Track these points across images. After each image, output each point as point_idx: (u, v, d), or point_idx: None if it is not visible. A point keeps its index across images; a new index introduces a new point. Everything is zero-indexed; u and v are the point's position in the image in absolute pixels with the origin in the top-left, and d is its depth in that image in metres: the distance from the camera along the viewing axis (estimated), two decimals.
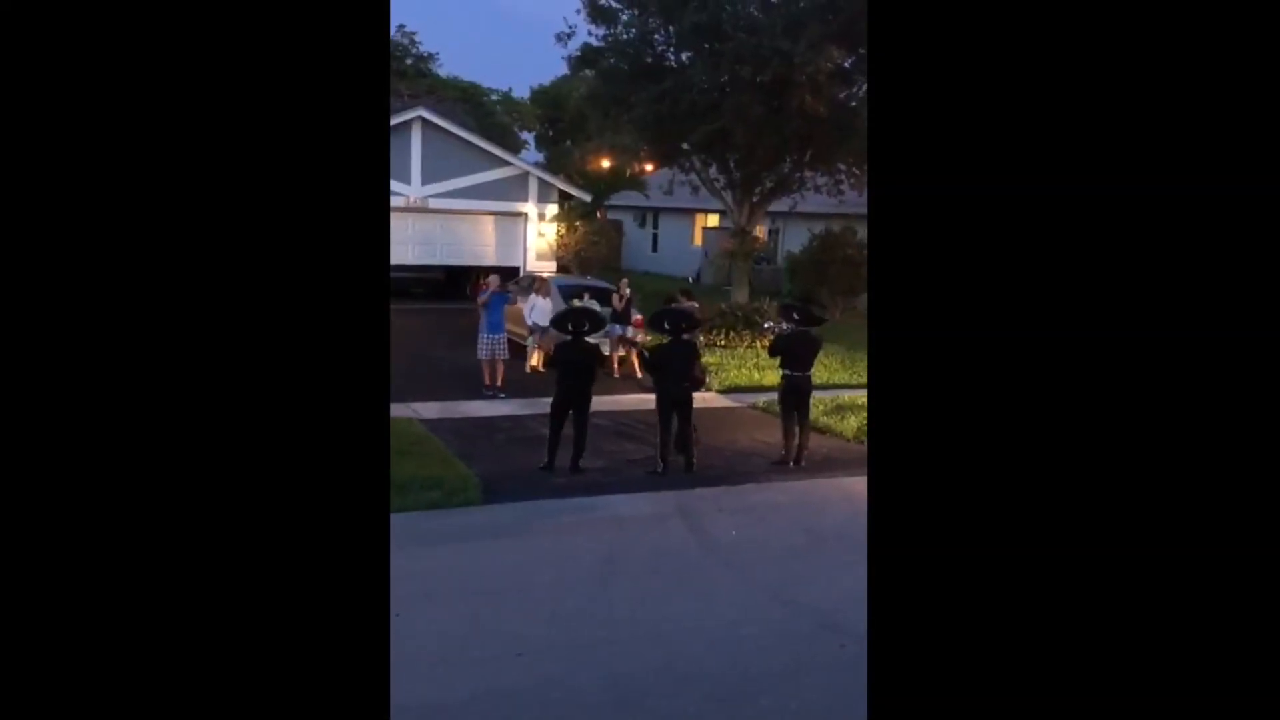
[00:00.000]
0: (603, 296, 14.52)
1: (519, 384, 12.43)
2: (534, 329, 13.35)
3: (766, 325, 16.20)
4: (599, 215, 28.97)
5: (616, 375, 13.71)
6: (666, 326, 9.53)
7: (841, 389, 12.93)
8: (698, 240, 28.58)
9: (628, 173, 30.92)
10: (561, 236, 22.17)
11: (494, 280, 12.64)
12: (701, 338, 14.35)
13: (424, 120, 20.32)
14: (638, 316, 13.78)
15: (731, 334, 16.40)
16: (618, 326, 13.73)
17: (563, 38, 18.85)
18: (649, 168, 28.30)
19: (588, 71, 19.85)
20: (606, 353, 13.83)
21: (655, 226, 31.19)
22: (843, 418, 11.30)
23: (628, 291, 14.07)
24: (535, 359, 13.30)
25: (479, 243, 21.50)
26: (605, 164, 31.97)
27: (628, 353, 13.78)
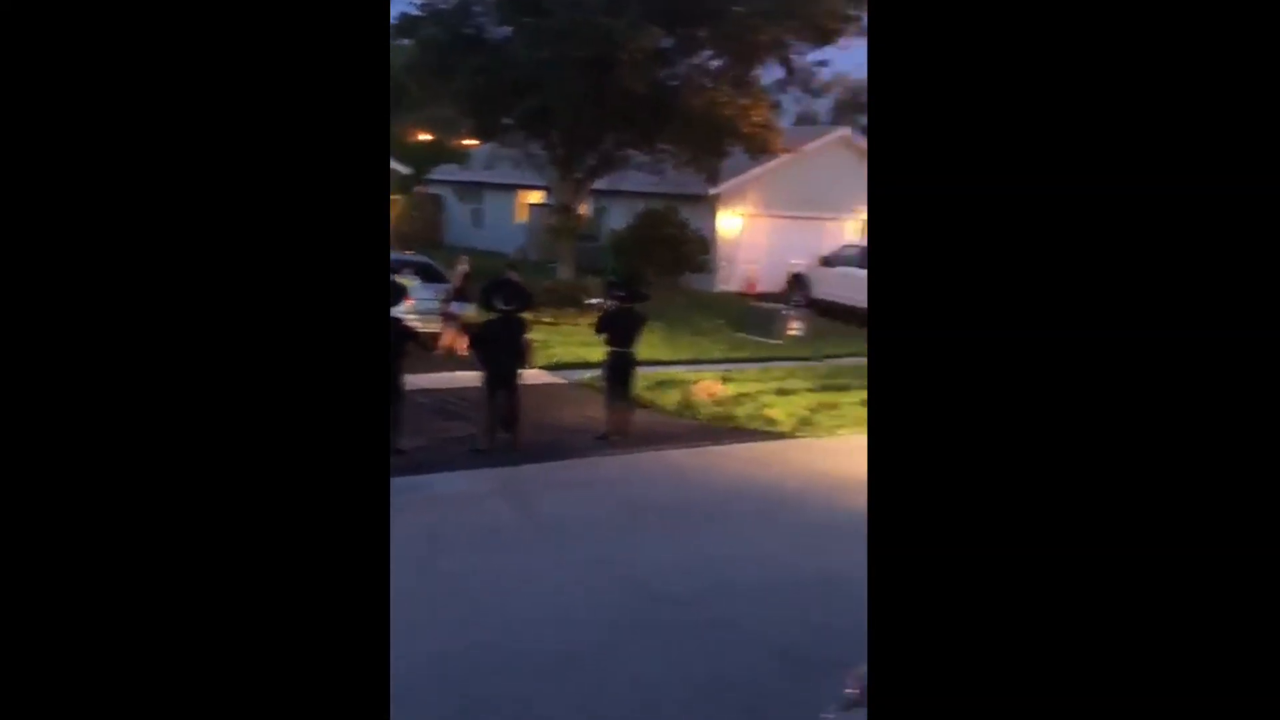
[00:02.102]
0: (425, 272, 14.19)
1: None
2: None
3: (591, 302, 16.28)
4: (418, 189, 28.23)
5: (439, 352, 13.46)
6: (495, 301, 9.38)
7: (664, 365, 13.16)
8: (522, 217, 28.34)
9: (449, 146, 30.25)
10: None
11: None
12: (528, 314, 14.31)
13: None
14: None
15: (556, 311, 16.39)
16: (457, 304, 13.47)
17: None
18: (471, 142, 27.78)
19: (406, 40, 19.25)
20: (438, 329, 13.56)
21: (479, 202, 30.70)
22: (664, 392, 11.52)
23: (466, 269, 13.89)
24: None
25: None
26: (425, 137, 31.17)
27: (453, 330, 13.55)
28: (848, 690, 3.60)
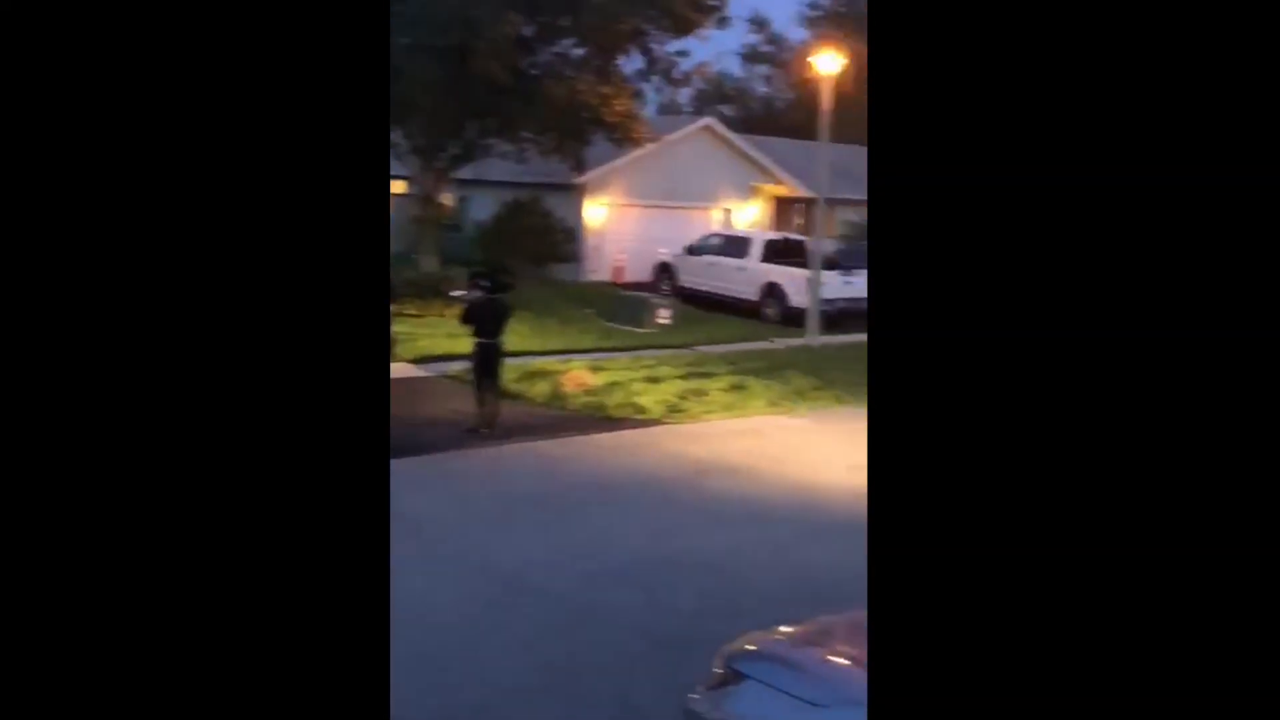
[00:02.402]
0: None
1: None
2: None
3: (456, 293, 16.02)
4: None
5: None
6: None
7: (532, 356, 13.08)
8: None
9: None
10: None
11: None
12: (392, 306, 13.97)
13: None
14: None
15: (420, 302, 16.07)
16: None
17: None
18: None
19: None
20: None
21: None
22: (533, 383, 11.45)
23: None
24: None
25: None
26: None
27: None
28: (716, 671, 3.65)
